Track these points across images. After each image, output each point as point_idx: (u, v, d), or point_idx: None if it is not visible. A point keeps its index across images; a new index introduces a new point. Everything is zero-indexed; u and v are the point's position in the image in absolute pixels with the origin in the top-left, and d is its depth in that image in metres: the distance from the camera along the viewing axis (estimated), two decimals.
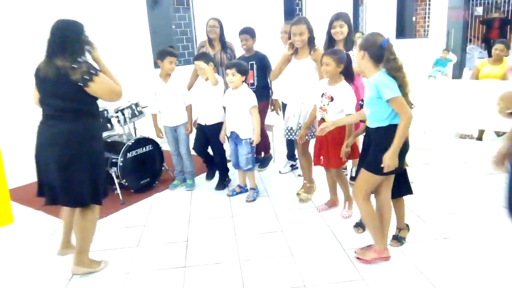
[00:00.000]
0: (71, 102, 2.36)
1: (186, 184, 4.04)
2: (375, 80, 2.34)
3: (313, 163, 3.36)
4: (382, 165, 2.33)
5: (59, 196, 2.43)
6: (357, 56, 2.45)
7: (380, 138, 2.40)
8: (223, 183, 4.01)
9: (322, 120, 3.11)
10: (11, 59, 4.27)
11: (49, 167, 2.38)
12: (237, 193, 3.82)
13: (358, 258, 2.61)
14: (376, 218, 2.55)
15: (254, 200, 3.69)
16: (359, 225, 3.02)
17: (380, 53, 2.33)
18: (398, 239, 2.77)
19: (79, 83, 2.31)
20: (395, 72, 2.33)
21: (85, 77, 2.31)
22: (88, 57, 2.44)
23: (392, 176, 2.51)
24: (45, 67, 2.35)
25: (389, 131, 2.33)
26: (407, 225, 2.85)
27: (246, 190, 3.82)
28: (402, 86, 2.32)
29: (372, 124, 2.45)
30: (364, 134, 2.79)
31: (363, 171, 2.49)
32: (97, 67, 2.43)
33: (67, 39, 2.33)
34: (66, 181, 2.37)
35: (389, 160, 2.30)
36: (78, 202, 2.46)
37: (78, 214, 2.52)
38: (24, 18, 4.33)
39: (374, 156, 2.40)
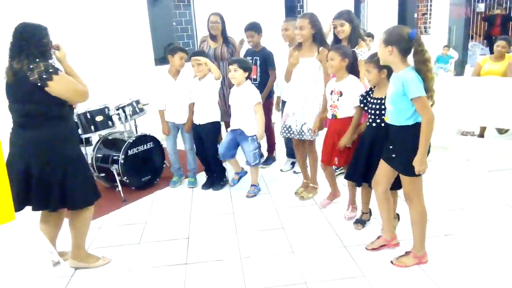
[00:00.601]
0: (34, 106, 2.29)
1: (188, 182, 4.04)
2: (401, 77, 2.25)
3: (322, 162, 3.23)
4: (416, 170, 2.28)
5: (32, 201, 2.38)
6: (382, 53, 2.31)
7: (406, 137, 2.31)
8: (221, 183, 3.94)
9: (334, 117, 3.06)
10: None
11: (23, 175, 2.32)
12: (238, 180, 3.89)
13: (395, 264, 2.53)
14: (426, 222, 2.49)
15: (254, 195, 3.70)
16: (359, 222, 3.02)
17: (408, 46, 2.24)
18: None
19: (38, 83, 2.24)
20: (421, 65, 2.25)
21: (43, 76, 2.24)
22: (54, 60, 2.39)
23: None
24: (6, 71, 2.32)
25: (417, 129, 2.25)
26: (398, 215, 2.93)
27: (245, 173, 3.90)
28: (425, 81, 2.23)
29: (394, 121, 2.36)
30: (365, 130, 2.79)
31: (405, 178, 2.40)
32: (60, 68, 2.37)
33: (24, 43, 2.27)
34: (39, 187, 2.33)
35: (420, 164, 2.26)
36: (45, 207, 2.43)
37: (70, 214, 2.56)
38: (25, 17, 4.32)
39: (407, 159, 2.29)
